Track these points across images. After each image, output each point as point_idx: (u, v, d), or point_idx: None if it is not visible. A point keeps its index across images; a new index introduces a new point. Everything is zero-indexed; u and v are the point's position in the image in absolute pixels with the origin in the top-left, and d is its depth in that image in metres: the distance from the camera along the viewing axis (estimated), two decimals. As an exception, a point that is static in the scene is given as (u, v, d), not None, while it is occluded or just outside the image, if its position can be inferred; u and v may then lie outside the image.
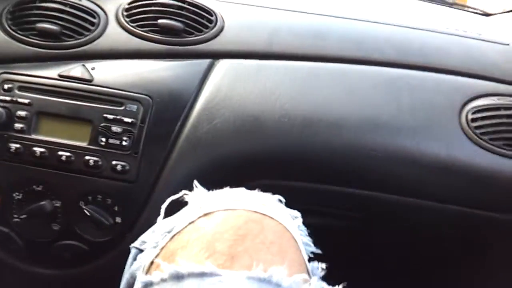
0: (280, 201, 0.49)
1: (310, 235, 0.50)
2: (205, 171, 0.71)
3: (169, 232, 0.45)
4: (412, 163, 0.72)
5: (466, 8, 1.22)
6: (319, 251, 0.49)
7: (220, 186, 0.67)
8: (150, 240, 0.46)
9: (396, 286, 0.95)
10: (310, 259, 0.47)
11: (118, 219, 0.69)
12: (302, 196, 0.76)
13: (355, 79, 0.78)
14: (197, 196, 0.48)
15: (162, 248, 0.43)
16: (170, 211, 0.50)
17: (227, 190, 0.49)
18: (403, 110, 0.75)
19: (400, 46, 0.83)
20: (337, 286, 0.41)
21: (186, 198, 0.49)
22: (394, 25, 0.87)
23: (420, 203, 0.75)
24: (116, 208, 0.69)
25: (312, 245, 0.49)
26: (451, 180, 0.73)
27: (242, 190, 0.49)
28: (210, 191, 0.49)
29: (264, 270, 0.38)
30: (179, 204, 0.50)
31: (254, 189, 0.71)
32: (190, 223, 0.44)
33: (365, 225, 0.82)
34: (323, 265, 0.46)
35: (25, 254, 0.72)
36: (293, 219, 0.48)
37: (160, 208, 0.66)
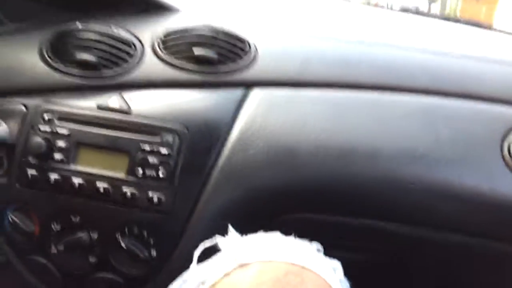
0: (319, 250, 0.48)
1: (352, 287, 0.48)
2: (239, 203, 0.71)
3: (202, 283, 0.43)
4: (452, 197, 0.70)
5: (503, 32, 1.19)
6: None
7: (253, 218, 0.67)
8: None
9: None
10: None
11: (153, 252, 0.69)
12: (337, 231, 0.75)
13: (389, 107, 0.76)
14: (231, 244, 0.46)
15: None
16: (201, 255, 0.48)
17: (262, 236, 0.47)
18: (441, 141, 0.73)
19: (435, 73, 0.81)
20: None
21: (220, 245, 0.47)
22: (428, 51, 0.86)
23: (461, 239, 0.72)
24: (151, 241, 0.69)
25: None
26: (494, 216, 0.70)
27: (278, 236, 0.47)
28: (244, 237, 0.47)
29: None
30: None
31: (288, 223, 0.71)
32: (225, 275, 0.42)
33: (396, 261, 0.80)
34: None
35: (61, 287, 0.73)
36: (334, 271, 0.46)
37: (196, 242, 0.67)
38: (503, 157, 0.71)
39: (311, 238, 0.75)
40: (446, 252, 0.76)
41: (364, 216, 0.74)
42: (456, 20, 1.15)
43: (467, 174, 0.70)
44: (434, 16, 1.17)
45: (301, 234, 0.73)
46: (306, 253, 0.45)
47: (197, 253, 0.47)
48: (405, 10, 1.19)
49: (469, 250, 0.74)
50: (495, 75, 0.83)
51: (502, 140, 0.73)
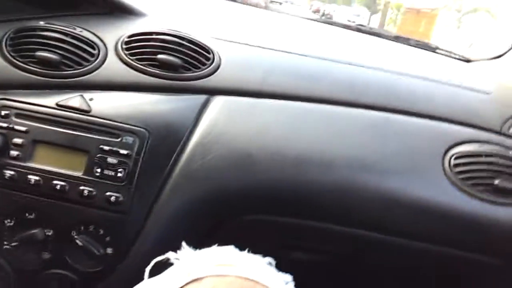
0: (271, 263, 0.48)
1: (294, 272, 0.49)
2: (197, 205, 0.72)
3: None
4: (398, 205, 0.75)
5: (449, 54, 1.28)
6: None
7: (211, 220, 0.68)
8: None
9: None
10: None
11: (109, 250, 0.70)
12: (292, 232, 0.79)
13: (345, 120, 0.81)
14: (184, 258, 0.46)
15: None
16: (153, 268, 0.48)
17: (215, 250, 0.47)
18: (389, 153, 0.78)
19: (388, 91, 0.87)
20: None
21: (172, 259, 0.47)
22: (384, 71, 0.91)
23: (404, 243, 0.77)
24: (107, 239, 0.70)
25: None
26: (434, 223, 0.76)
27: (231, 250, 0.47)
28: (197, 251, 0.47)
29: None
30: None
31: (246, 224, 0.73)
32: None
33: (349, 262, 0.84)
34: None
35: (13, 282, 0.71)
36: (285, 284, 0.47)
37: (151, 242, 0.68)
38: (444, 170, 0.77)
39: (270, 240, 0.78)
40: (394, 254, 0.81)
41: (318, 219, 0.77)
42: (406, 41, 1.22)
43: (411, 184, 0.76)
44: (387, 36, 1.23)
45: (259, 235, 0.76)
46: (259, 267, 0.45)
47: (148, 268, 0.47)
48: (360, 29, 1.25)
49: (414, 253, 0.79)
50: (440, 95, 0.89)
51: (444, 155, 0.79)
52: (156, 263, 0.48)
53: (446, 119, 0.84)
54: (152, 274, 0.48)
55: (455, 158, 0.78)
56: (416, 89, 0.89)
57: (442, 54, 1.27)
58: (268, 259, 0.48)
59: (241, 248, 0.48)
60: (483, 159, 0.79)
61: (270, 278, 0.45)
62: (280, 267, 0.47)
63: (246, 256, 0.47)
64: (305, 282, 0.51)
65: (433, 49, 1.27)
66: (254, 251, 0.49)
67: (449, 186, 0.76)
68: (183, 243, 0.48)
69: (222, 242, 0.49)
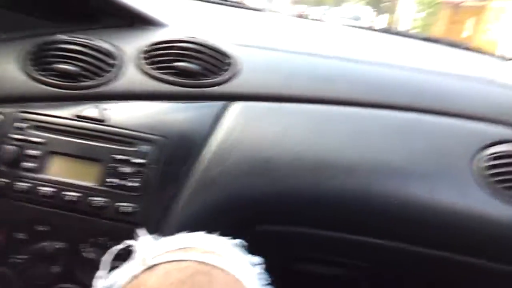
0: (240, 245, 0.46)
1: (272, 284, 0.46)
2: (213, 214, 0.70)
3: (110, 286, 0.42)
4: (424, 210, 0.70)
5: (482, 52, 1.22)
6: None
7: (227, 229, 0.66)
8: None
9: None
10: None
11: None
12: (312, 244, 0.75)
13: (367, 122, 0.77)
14: (142, 247, 0.44)
15: None
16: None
17: (175, 237, 0.46)
18: (416, 156, 0.74)
19: (413, 90, 0.82)
20: None
21: (132, 248, 0.45)
22: (408, 69, 0.87)
23: (432, 253, 0.72)
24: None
25: None
26: (465, 229, 0.70)
27: (195, 235, 0.46)
28: (158, 239, 0.45)
29: None
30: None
31: (263, 234, 0.70)
32: (133, 278, 0.41)
33: (374, 276, 0.80)
34: None
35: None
36: (252, 267, 0.45)
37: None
38: (475, 172, 0.72)
39: (287, 250, 0.75)
40: (419, 266, 0.76)
41: (338, 229, 0.73)
42: (435, 40, 1.17)
43: (438, 188, 0.71)
44: (414, 36, 1.19)
45: (275, 246, 0.73)
46: (219, 251, 0.44)
47: (104, 258, 0.46)
48: (385, 30, 1.21)
49: (440, 265, 0.74)
50: (471, 93, 0.84)
51: (473, 157, 0.74)
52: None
53: (479, 118, 0.79)
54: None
55: (488, 160, 0.73)
56: (445, 87, 0.84)
57: (475, 52, 1.21)
58: (238, 240, 0.46)
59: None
60: (520, 160, 0.73)
61: (232, 260, 0.43)
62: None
63: (210, 239, 0.45)
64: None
65: (466, 48, 1.22)
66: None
67: (480, 190, 0.71)
68: (139, 231, 0.47)
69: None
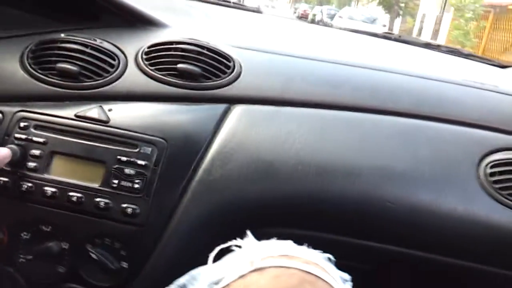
0: (329, 259, 0.47)
1: None
2: (216, 216, 0.70)
3: (216, 283, 0.43)
4: (429, 216, 0.70)
5: (482, 60, 1.22)
6: None
7: (229, 232, 0.65)
8: None
9: None
10: None
11: (124, 264, 0.68)
12: (315, 247, 0.74)
13: (370, 128, 0.77)
14: (248, 247, 0.45)
15: None
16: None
17: (277, 243, 0.47)
18: (420, 162, 0.73)
19: (416, 97, 0.82)
20: None
21: (234, 247, 0.46)
22: (411, 75, 0.87)
23: (436, 258, 0.72)
24: (123, 253, 0.68)
25: None
26: (469, 236, 0.70)
27: (291, 244, 0.47)
28: (260, 242, 0.47)
29: None
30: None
31: (265, 237, 0.70)
32: (240, 277, 0.42)
33: (376, 280, 0.79)
34: None
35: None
36: (343, 283, 0.46)
37: (168, 255, 0.65)
38: (479, 179, 0.72)
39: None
40: (423, 271, 0.75)
41: (341, 233, 0.73)
42: (436, 47, 1.17)
43: (443, 194, 0.71)
44: (416, 43, 1.19)
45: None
46: (320, 263, 0.45)
47: (213, 254, 0.46)
48: (388, 37, 1.21)
49: (444, 270, 0.73)
50: (474, 100, 0.85)
51: (479, 163, 0.74)
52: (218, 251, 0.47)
53: (480, 125, 0.79)
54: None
55: (491, 167, 0.73)
56: (447, 94, 0.84)
57: (476, 61, 1.22)
58: (327, 254, 0.47)
59: None
60: (521, 167, 0.73)
61: (330, 274, 0.44)
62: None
63: (307, 251, 0.46)
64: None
65: (465, 56, 1.23)
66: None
67: (484, 196, 0.71)
68: (248, 232, 0.48)
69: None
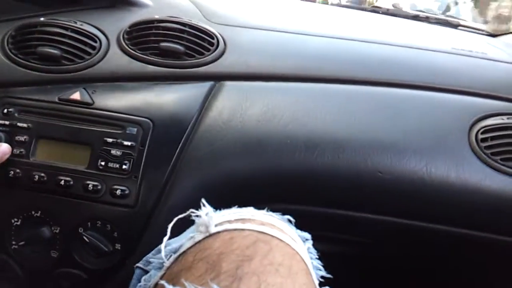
0: (290, 221, 0.48)
1: (320, 259, 0.48)
2: (205, 194, 0.69)
3: (174, 252, 0.44)
4: (421, 185, 0.69)
5: (471, 30, 1.21)
6: (329, 276, 0.47)
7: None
8: (154, 261, 0.45)
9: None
10: (320, 284, 0.45)
11: (117, 246, 0.67)
12: (308, 221, 0.74)
13: (358, 100, 0.76)
14: (204, 215, 0.46)
15: (167, 269, 0.42)
16: (177, 231, 0.48)
17: (235, 209, 0.48)
18: (409, 131, 0.73)
19: (404, 67, 0.82)
20: None
21: (193, 217, 0.47)
22: (399, 46, 0.86)
23: (430, 227, 0.72)
24: (115, 234, 0.67)
25: (322, 269, 0.47)
26: (461, 202, 0.70)
27: (250, 209, 0.47)
28: (218, 210, 0.47)
29: None
30: (188, 224, 0.48)
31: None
32: (195, 244, 0.42)
33: (373, 251, 0.80)
34: None
35: (23, 283, 0.70)
36: (303, 241, 0.47)
37: (160, 234, 0.64)
38: (470, 145, 0.72)
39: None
40: (416, 241, 0.75)
41: (336, 207, 0.73)
42: (425, 19, 1.16)
43: (435, 162, 0.70)
44: (404, 16, 1.18)
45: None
46: (276, 223, 0.45)
47: (170, 225, 0.47)
48: (376, 11, 1.20)
49: (437, 238, 0.73)
50: (463, 68, 0.84)
51: (470, 129, 0.73)
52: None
53: (470, 92, 0.78)
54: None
55: (482, 133, 0.73)
56: (435, 63, 0.83)
57: (465, 30, 1.21)
58: (288, 217, 0.48)
59: None
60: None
61: (288, 234, 0.44)
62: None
63: (265, 214, 0.47)
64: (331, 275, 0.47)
65: (454, 26, 1.21)
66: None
67: (476, 162, 0.71)
68: (203, 200, 0.48)
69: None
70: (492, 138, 0.72)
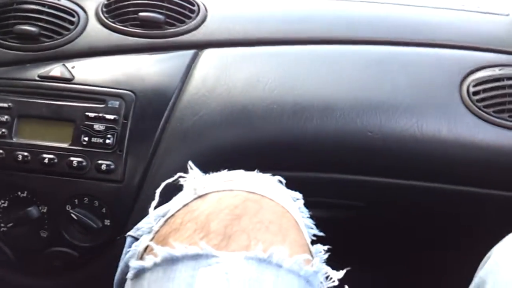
0: (280, 182, 0.46)
1: (311, 217, 0.47)
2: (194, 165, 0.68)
3: (163, 216, 0.43)
4: (412, 143, 0.68)
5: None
6: (321, 234, 0.46)
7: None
8: (144, 226, 0.45)
9: (398, 271, 0.91)
10: (312, 242, 0.44)
11: (107, 222, 0.67)
12: (299, 187, 0.73)
13: (345, 60, 0.74)
14: (192, 179, 0.45)
15: (156, 232, 0.42)
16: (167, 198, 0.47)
17: (224, 172, 0.47)
18: (399, 89, 0.71)
19: (392, 24, 0.79)
20: (340, 270, 0.39)
21: (182, 181, 0.46)
22: (385, 3, 0.84)
23: (424, 185, 0.70)
24: (104, 210, 0.67)
25: (314, 227, 0.46)
26: (455, 158, 0.68)
27: (240, 171, 0.46)
28: (206, 174, 0.46)
29: (263, 250, 0.35)
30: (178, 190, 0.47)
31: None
32: (184, 206, 0.42)
33: (367, 214, 0.78)
34: (326, 248, 0.43)
35: (14, 265, 0.70)
36: (294, 201, 0.46)
37: (149, 208, 0.64)
38: (462, 99, 0.70)
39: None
40: (412, 200, 0.74)
41: (326, 170, 0.72)
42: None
43: (426, 118, 0.68)
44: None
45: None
46: (266, 183, 0.44)
47: (159, 190, 0.46)
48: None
49: (436, 196, 0.72)
50: (453, 22, 0.81)
51: (461, 83, 0.71)
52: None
53: (461, 46, 0.75)
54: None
55: (474, 86, 0.70)
56: (424, 19, 0.80)
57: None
58: (278, 177, 0.47)
59: None
60: (504, 82, 0.70)
61: (277, 192, 0.43)
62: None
63: (254, 174, 0.46)
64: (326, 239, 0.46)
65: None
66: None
67: (469, 116, 0.69)
68: (190, 163, 0.47)
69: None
70: (484, 90, 0.70)
